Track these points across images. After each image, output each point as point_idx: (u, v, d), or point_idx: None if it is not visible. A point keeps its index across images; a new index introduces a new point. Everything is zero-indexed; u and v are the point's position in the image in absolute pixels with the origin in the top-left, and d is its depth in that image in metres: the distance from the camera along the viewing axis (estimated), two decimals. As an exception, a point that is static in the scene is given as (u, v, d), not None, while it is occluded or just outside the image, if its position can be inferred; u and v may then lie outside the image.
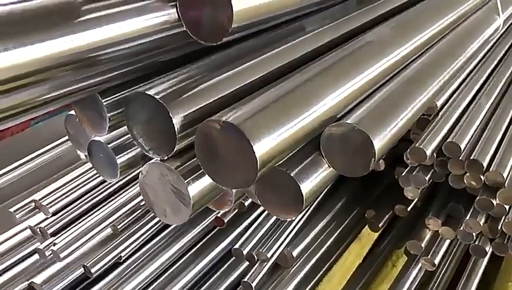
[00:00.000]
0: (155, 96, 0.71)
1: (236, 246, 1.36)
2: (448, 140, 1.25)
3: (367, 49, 0.94)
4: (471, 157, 1.24)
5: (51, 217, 1.31)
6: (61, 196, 1.33)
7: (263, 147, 0.66)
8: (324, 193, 1.68)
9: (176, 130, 0.70)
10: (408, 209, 1.62)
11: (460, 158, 1.26)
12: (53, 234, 1.28)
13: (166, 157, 0.75)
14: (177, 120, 0.70)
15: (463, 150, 1.25)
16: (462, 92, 1.32)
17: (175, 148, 0.72)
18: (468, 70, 1.34)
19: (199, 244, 1.47)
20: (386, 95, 0.92)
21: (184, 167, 0.75)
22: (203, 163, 0.71)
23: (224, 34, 0.73)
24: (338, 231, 1.72)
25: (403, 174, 1.39)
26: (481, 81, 1.35)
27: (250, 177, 0.67)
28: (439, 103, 1.32)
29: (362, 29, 1.04)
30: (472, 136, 1.27)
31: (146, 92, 0.72)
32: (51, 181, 1.38)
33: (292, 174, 0.84)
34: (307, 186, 0.84)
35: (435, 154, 1.30)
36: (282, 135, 0.69)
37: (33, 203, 1.34)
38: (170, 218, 0.78)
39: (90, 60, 0.73)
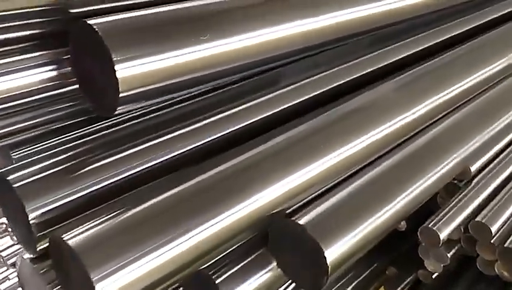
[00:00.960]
0: (14, 184, 0.54)
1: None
2: (476, 219, 0.99)
3: (346, 121, 0.71)
4: (506, 245, 0.98)
5: (17, 244, 1.20)
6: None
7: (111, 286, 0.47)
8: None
9: (33, 228, 0.53)
10: (433, 276, 1.37)
11: (492, 241, 1.00)
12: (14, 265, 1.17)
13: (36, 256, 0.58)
14: (33, 217, 0.53)
15: (496, 234, 0.99)
16: (506, 158, 1.04)
17: (37, 248, 0.55)
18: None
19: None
20: (361, 185, 0.70)
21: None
22: (59, 277, 0.54)
23: (114, 106, 0.54)
24: (352, 285, 1.51)
25: (423, 244, 1.14)
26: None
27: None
28: (474, 168, 1.06)
29: (358, 83, 0.81)
30: (509, 219, 0.99)
31: (6, 176, 0.55)
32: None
33: (217, 281, 0.65)
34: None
35: (462, 228, 1.05)
36: (146, 265, 0.50)
37: (4, 225, 1.24)
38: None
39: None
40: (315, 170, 0.67)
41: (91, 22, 0.51)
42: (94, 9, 0.55)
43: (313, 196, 0.69)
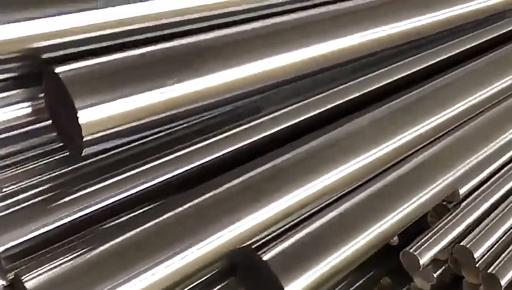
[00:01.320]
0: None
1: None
2: (461, 243, 1.00)
3: (325, 151, 0.73)
4: (489, 270, 0.98)
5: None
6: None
7: None
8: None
9: (2, 261, 0.57)
10: (427, 290, 1.36)
11: (477, 266, 1.00)
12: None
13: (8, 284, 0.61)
14: (2, 251, 0.57)
15: (480, 258, 0.99)
16: (496, 183, 1.04)
17: (8, 278, 0.59)
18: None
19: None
20: (333, 217, 0.72)
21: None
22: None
23: (80, 148, 0.56)
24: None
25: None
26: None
27: None
28: (463, 190, 1.06)
29: (338, 112, 0.82)
30: (495, 244, 0.99)
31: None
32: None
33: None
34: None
35: (450, 249, 1.05)
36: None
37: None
38: None
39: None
40: (284, 204, 0.69)
41: (57, 69, 0.54)
42: (66, 54, 0.57)
43: (284, 228, 0.70)
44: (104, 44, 0.59)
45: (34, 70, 0.58)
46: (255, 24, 0.68)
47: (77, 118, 0.52)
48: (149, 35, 0.62)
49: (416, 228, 1.32)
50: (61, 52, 0.57)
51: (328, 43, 0.72)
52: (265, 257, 0.65)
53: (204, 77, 0.61)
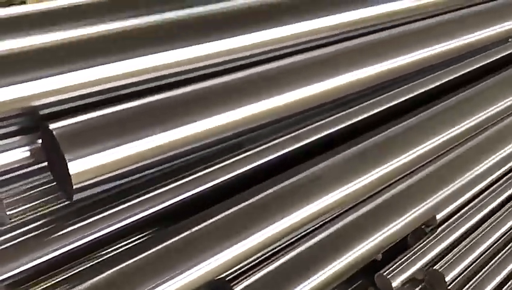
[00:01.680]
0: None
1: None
2: (435, 267, 1.06)
3: (287, 194, 0.79)
4: (460, 293, 1.04)
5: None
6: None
7: None
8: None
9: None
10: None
11: (449, 288, 1.06)
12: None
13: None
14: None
15: (451, 282, 1.05)
16: (472, 210, 1.10)
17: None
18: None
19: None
20: (305, 249, 0.78)
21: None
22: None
23: (71, 194, 0.64)
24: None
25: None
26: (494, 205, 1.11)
27: None
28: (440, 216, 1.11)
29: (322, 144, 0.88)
30: (466, 270, 1.05)
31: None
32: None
33: None
34: None
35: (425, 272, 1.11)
36: None
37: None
38: None
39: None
40: (259, 239, 0.75)
41: (51, 126, 0.61)
42: (63, 109, 0.64)
43: (259, 260, 0.77)
44: (94, 99, 0.66)
45: (32, 124, 0.65)
46: (233, 75, 0.75)
47: (68, 169, 0.60)
48: (133, 89, 0.69)
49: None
50: (55, 109, 0.64)
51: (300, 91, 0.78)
52: (236, 289, 0.72)
53: (186, 126, 0.68)
